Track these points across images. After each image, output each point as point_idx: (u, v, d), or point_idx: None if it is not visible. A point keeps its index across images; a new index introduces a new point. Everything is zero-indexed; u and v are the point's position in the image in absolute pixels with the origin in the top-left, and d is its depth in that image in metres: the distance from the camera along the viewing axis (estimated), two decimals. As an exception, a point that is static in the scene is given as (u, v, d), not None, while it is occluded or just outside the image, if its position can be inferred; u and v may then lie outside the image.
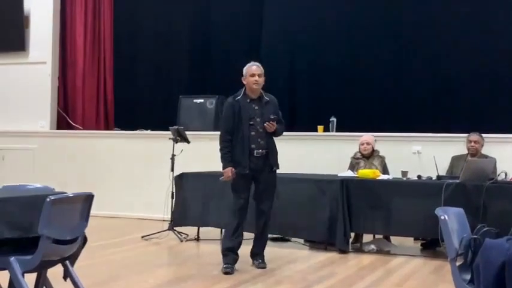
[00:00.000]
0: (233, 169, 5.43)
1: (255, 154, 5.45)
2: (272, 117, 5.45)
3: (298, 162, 7.80)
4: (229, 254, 5.47)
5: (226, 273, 5.33)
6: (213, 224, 6.85)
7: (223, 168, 5.48)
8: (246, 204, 5.52)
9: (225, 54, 9.11)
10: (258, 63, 5.59)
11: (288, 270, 5.61)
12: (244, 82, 5.54)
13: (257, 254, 5.66)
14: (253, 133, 5.45)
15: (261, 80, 5.52)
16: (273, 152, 5.56)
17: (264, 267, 5.55)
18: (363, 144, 7.08)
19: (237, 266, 5.53)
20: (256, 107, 5.51)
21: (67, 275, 3.84)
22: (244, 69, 5.55)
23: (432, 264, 5.89)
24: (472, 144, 6.83)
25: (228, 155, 5.46)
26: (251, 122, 5.46)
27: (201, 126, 8.51)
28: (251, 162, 5.45)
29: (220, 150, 5.50)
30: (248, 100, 5.52)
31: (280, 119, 5.65)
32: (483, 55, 7.83)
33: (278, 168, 5.65)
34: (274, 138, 5.64)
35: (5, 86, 9.69)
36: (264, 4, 9.04)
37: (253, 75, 5.48)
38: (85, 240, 3.92)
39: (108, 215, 8.42)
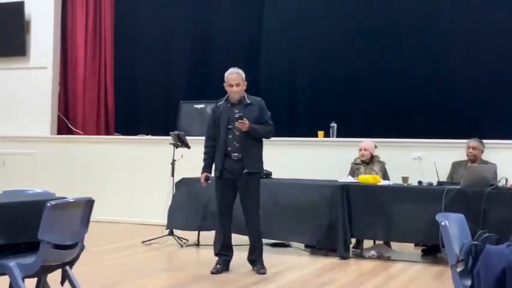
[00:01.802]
0: (208, 175, 5.64)
1: (232, 157, 5.52)
2: (237, 115, 5.46)
3: (299, 167, 7.80)
4: (219, 256, 5.64)
5: (211, 273, 5.51)
6: (213, 228, 6.82)
7: (201, 173, 5.68)
8: (226, 209, 5.60)
9: (225, 60, 9.05)
10: (237, 70, 5.61)
11: (288, 276, 5.61)
12: (226, 89, 5.61)
13: (255, 261, 5.66)
14: (230, 136, 5.52)
15: (240, 88, 5.56)
16: (248, 155, 5.52)
17: (264, 273, 5.55)
18: (361, 150, 7.08)
19: (237, 272, 5.57)
20: (236, 111, 5.55)
21: (65, 280, 3.84)
22: (225, 77, 5.61)
23: (433, 270, 5.88)
24: (471, 150, 6.82)
25: (206, 161, 5.66)
26: (229, 126, 5.52)
27: (202, 131, 8.44)
28: (228, 165, 5.52)
29: (203, 155, 5.69)
30: (229, 105, 5.60)
31: (267, 121, 5.66)
32: (484, 61, 7.83)
33: (254, 171, 5.56)
34: (265, 140, 5.70)
35: (5, 91, 9.69)
36: (265, 9, 9.04)
37: (231, 85, 5.56)
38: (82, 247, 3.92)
39: (108, 220, 8.42)
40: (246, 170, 5.50)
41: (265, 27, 9.02)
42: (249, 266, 5.68)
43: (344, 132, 8.07)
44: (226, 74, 5.62)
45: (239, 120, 5.43)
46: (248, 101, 5.60)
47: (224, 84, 5.62)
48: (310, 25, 8.72)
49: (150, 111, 9.60)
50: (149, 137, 9.08)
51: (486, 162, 6.80)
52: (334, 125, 8.11)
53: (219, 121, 5.56)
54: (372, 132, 7.65)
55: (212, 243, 6.80)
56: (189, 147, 7.27)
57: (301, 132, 8.41)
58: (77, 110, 9.77)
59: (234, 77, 5.56)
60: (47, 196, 4.04)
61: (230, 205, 5.63)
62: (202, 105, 8.76)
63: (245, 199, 5.59)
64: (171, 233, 7.02)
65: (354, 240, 6.70)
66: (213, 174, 5.70)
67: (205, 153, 5.66)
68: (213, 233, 6.86)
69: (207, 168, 5.65)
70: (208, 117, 8.55)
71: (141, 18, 9.83)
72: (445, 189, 6.00)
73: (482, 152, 6.87)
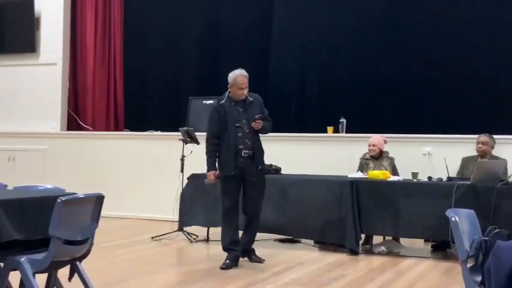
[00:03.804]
0: (216, 172, 5.63)
1: (242, 154, 5.59)
2: (257, 116, 5.56)
3: (308, 163, 7.80)
4: (229, 251, 5.66)
5: (221, 268, 5.53)
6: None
7: (207, 171, 5.67)
8: (235, 205, 5.67)
9: (235, 55, 9.11)
10: (245, 73, 5.62)
11: (297, 271, 5.60)
12: (231, 89, 5.63)
13: (250, 251, 5.80)
14: (240, 134, 5.59)
15: (247, 89, 5.65)
16: (258, 152, 5.68)
17: (261, 261, 5.72)
18: (369, 145, 7.06)
19: (247, 267, 5.60)
20: (241, 109, 5.65)
21: (73, 275, 3.86)
22: (231, 79, 5.61)
23: (443, 266, 5.87)
24: (480, 145, 6.79)
25: (213, 158, 5.65)
26: (237, 124, 5.59)
27: (211, 127, 8.49)
28: (238, 163, 5.58)
29: (206, 153, 5.69)
30: (233, 103, 5.65)
31: (267, 117, 5.75)
32: (495, 55, 7.80)
33: (263, 167, 5.77)
34: (261, 137, 5.76)
35: (15, 87, 9.73)
36: (274, 6, 9.04)
37: (241, 88, 5.59)
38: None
39: (118, 215, 8.45)
40: (260, 167, 5.66)
41: (275, 24, 9.01)
42: (249, 259, 5.78)
43: (353, 127, 8.06)
44: (233, 76, 5.59)
45: (257, 121, 5.53)
46: (250, 99, 5.68)
47: (229, 86, 5.62)
48: (319, 21, 8.70)
49: (159, 107, 9.63)
50: (158, 132, 9.10)
51: (496, 158, 6.76)
52: (343, 120, 8.10)
53: (225, 120, 5.58)
54: (382, 128, 7.63)
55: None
56: (198, 143, 7.27)
57: (311, 128, 8.41)
58: (87, 106, 9.81)
59: (245, 80, 5.60)
60: (57, 192, 4.06)
61: (238, 201, 5.70)
62: (211, 101, 8.67)
63: (255, 195, 5.67)
64: (180, 229, 7.04)
65: (363, 236, 6.69)
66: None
67: (210, 151, 5.66)
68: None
69: (214, 166, 5.65)
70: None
71: (150, 14, 9.85)
72: (455, 184, 5.97)
73: (492, 147, 6.83)
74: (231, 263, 5.60)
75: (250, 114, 5.60)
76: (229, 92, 5.65)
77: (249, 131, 5.59)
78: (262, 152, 5.73)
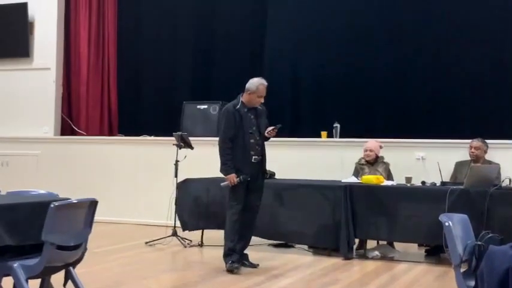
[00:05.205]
0: (235, 175, 5.65)
1: (253, 160, 5.72)
2: (278, 126, 5.74)
3: (302, 168, 7.81)
4: (232, 253, 5.67)
5: (230, 270, 5.57)
6: (217, 227, 6.80)
7: (226, 174, 5.66)
8: (243, 209, 5.73)
9: (229, 60, 9.12)
10: (265, 82, 5.78)
11: (292, 276, 5.60)
12: (248, 95, 5.72)
13: (246, 254, 5.84)
14: (252, 141, 5.72)
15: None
16: (265, 158, 5.86)
17: (255, 266, 5.76)
18: (366, 151, 7.07)
19: (242, 272, 5.61)
20: (252, 116, 5.79)
21: (67, 281, 3.85)
22: (254, 85, 5.69)
23: (436, 271, 5.87)
24: (473, 150, 6.82)
25: (230, 161, 5.67)
26: (250, 131, 5.71)
27: (205, 132, 8.51)
28: (250, 168, 5.69)
29: (222, 156, 5.70)
30: (245, 109, 5.76)
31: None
32: (488, 61, 7.82)
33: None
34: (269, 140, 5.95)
35: (9, 92, 9.71)
36: (268, 10, 9.04)
37: (261, 96, 5.74)
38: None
39: (112, 220, 8.43)
40: (265, 173, 5.89)
41: (269, 29, 9.01)
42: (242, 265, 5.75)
43: (347, 132, 8.06)
44: (256, 84, 5.69)
45: (275, 130, 5.70)
46: (259, 108, 5.83)
47: (249, 92, 5.69)
48: (313, 26, 8.71)
49: (153, 112, 9.61)
50: (152, 137, 9.08)
51: (490, 162, 6.79)
52: (337, 125, 8.11)
53: (242, 125, 5.67)
54: (375, 133, 7.64)
55: (215, 244, 6.84)
56: (192, 148, 7.28)
57: (304, 133, 8.41)
58: (80, 111, 9.79)
59: (265, 89, 5.74)
60: (50, 197, 4.05)
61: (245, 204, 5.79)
62: (205, 106, 8.77)
63: (258, 199, 5.82)
64: (174, 234, 7.03)
65: (357, 241, 6.70)
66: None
67: (227, 154, 5.67)
68: (216, 232, 6.89)
69: (233, 169, 5.65)
70: (211, 116, 8.74)
71: (144, 20, 9.84)
72: (448, 189, 5.99)
73: (485, 152, 6.86)
74: (238, 263, 5.64)
75: (259, 122, 5.77)
76: (242, 97, 5.73)
77: (259, 138, 5.75)
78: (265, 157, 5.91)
